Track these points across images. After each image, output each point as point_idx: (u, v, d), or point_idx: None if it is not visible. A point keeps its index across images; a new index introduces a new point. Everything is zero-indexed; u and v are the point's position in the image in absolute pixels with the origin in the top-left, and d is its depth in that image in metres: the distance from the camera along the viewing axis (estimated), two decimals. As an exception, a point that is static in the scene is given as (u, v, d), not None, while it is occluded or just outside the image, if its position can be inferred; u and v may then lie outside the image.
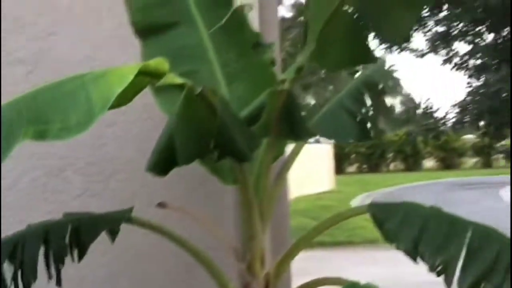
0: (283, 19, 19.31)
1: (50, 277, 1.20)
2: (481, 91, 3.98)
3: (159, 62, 0.98)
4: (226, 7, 1.39)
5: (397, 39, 1.05)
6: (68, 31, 1.95)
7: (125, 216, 1.31)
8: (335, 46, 1.00)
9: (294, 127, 1.10)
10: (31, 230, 1.27)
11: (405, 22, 1.05)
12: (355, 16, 1.03)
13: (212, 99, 0.83)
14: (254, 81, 1.34)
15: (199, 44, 1.38)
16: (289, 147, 1.37)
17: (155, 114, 2.06)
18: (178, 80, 1.04)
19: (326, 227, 1.39)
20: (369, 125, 1.41)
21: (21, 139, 0.81)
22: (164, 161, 0.93)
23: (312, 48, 0.97)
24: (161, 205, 1.30)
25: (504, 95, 3.61)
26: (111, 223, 1.29)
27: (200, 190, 2.09)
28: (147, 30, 1.43)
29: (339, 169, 25.04)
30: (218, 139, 0.83)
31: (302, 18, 21.29)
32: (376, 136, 1.45)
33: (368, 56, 1.13)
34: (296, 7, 20.99)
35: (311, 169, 14.89)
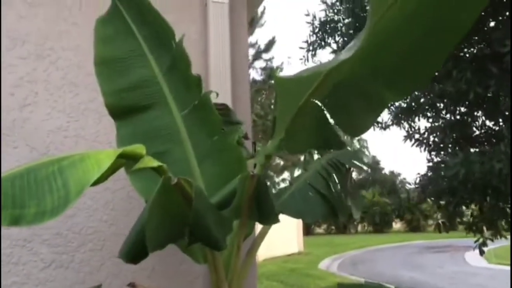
0: (254, 81, 19.88)
1: None
2: (441, 168, 4.19)
3: (136, 148, 1.03)
4: (197, 90, 1.46)
5: (356, 133, 1.13)
6: (43, 102, 1.99)
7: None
8: (303, 133, 1.07)
9: (264, 211, 1.15)
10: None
11: (365, 121, 1.15)
12: (321, 107, 1.12)
13: (188, 188, 0.87)
14: (223, 161, 1.39)
15: (172, 125, 1.43)
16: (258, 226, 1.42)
17: (125, 184, 2.08)
18: (154, 163, 1.09)
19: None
20: (336, 204, 1.47)
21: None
22: (136, 250, 0.95)
23: (281, 136, 1.04)
24: (132, 285, 1.30)
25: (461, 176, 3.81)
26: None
27: (169, 262, 2.08)
28: (121, 113, 1.48)
29: (308, 230, 24.98)
30: (193, 227, 0.87)
31: (271, 81, 21.96)
32: (343, 215, 1.51)
33: (335, 142, 1.21)
34: (266, 70, 21.69)
35: (279, 231, 14.80)
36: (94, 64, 1.54)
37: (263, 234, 1.38)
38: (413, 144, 5.17)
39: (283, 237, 15.64)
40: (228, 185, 1.18)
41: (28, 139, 1.95)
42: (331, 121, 1.14)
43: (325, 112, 1.13)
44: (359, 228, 32.89)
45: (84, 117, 2.04)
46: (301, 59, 5.45)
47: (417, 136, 5.17)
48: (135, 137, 1.32)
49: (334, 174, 1.53)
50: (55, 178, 0.94)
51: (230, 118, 1.54)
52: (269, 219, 1.18)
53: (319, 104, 1.10)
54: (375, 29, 0.96)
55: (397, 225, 33.58)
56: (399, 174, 36.63)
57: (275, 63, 23.53)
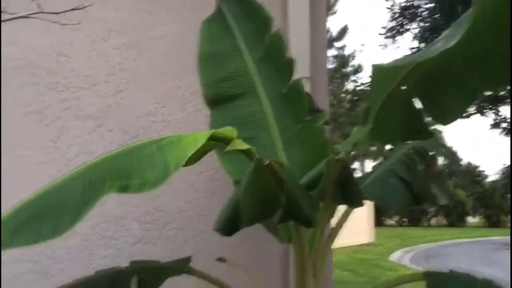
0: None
1: None
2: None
3: (228, 130, 1.10)
4: (286, 79, 1.54)
5: (447, 121, 1.11)
6: (134, 89, 2.13)
7: (185, 267, 1.41)
8: (391, 123, 1.09)
9: (348, 194, 1.18)
10: (100, 275, 1.38)
11: (457, 109, 1.13)
12: (411, 95, 1.12)
13: (278, 169, 0.92)
14: (308, 146, 1.45)
15: (260, 112, 1.52)
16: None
17: (208, 167, 2.19)
18: (244, 145, 1.16)
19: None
20: (419, 191, 1.47)
21: (106, 192, 0.94)
22: (230, 224, 1.03)
23: (370, 126, 1.07)
24: (221, 259, 1.39)
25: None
26: (172, 273, 1.38)
27: (247, 242, 2.17)
28: (216, 102, 1.59)
29: (379, 221, 24.48)
30: (286, 205, 0.92)
31: (343, 69, 21.63)
32: (426, 202, 1.50)
33: (423, 132, 1.21)
34: (338, 58, 21.37)
35: (350, 221, 14.62)
36: (198, 61, 1.69)
37: (346, 216, 1.41)
38: (501, 133, 4.93)
39: (353, 227, 15.46)
40: (314, 168, 1.23)
41: (121, 123, 2.11)
42: (420, 109, 1.15)
43: (415, 99, 1.13)
44: (433, 221, 31.72)
45: (170, 103, 2.17)
46: (380, 45, 5.34)
47: (504, 124, 4.92)
48: (226, 124, 1.40)
49: (418, 162, 1.53)
50: (155, 155, 1.04)
51: (312, 105, 1.59)
52: (354, 202, 1.21)
53: (409, 92, 1.11)
54: (478, 18, 0.95)
55: (474, 219, 32.01)
56: (477, 166, 34.81)
57: (347, 51, 23.07)
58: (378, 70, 1.06)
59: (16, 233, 0.88)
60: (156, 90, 2.16)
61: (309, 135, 1.48)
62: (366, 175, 1.58)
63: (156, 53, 2.18)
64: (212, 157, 2.17)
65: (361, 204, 1.21)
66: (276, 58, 1.56)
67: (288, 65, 1.56)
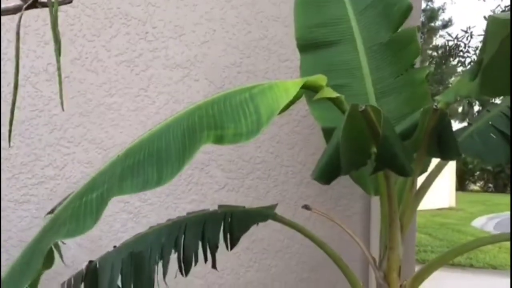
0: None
1: (206, 260, 1.35)
2: None
3: (318, 78, 1.07)
4: (394, 27, 1.47)
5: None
6: (220, 39, 2.14)
7: (271, 214, 1.43)
8: (499, 76, 1.00)
9: (444, 146, 1.12)
10: (191, 216, 1.44)
11: None
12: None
13: (373, 117, 0.89)
14: (405, 97, 1.39)
15: (354, 61, 1.47)
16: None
17: (290, 120, 2.18)
18: (333, 94, 1.13)
19: (465, 250, 1.38)
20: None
21: (204, 141, 0.95)
22: (329, 171, 1.02)
23: (480, 79, 0.98)
24: (306, 207, 1.40)
25: None
26: (259, 218, 1.41)
27: (329, 193, 2.16)
28: (308, 46, 1.55)
29: (461, 186, 23.43)
30: (381, 153, 0.89)
31: (431, 23, 20.32)
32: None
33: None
34: (426, 12, 20.08)
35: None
36: (295, 4, 1.64)
37: (438, 170, 1.35)
38: None
39: (434, 190, 14.94)
40: (409, 118, 1.17)
41: (207, 73, 2.14)
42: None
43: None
44: (522, 188, 29.78)
45: (255, 54, 2.15)
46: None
47: None
48: (317, 70, 1.37)
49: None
50: (247, 104, 1.03)
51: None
52: (449, 155, 1.15)
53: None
54: None
55: None
56: None
57: (436, 4, 21.60)
58: (493, 21, 0.96)
59: (124, 180, 0.92)
60: (241, 40, 2.15)
61: (408, 86, 1.41)
62: (462, 129, 1.49)
63: (242, 2, 2.16)
64: (293, 110, 2.16)
65: (457, 157, 1.14)
66: (387, 5, 1.48)
67: (401, 12, 1.48)
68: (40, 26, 2.09)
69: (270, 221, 1.49)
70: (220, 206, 1.50)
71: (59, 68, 1.41)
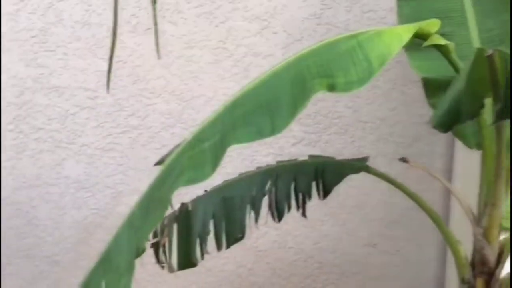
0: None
1: (298, 208, 1.39)
2: None
3: (431, 23, 1.03)
4: None
5: None
6: (300, -10, 2.09)
7: (364, 165, 1.43)
8: None
9: None
10: (281, 166, 1.46)
11: None
12: None
13: (498, 62, 0.85)
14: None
15: (459, 8, 1.40)
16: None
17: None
18: (442, 41, 1.09)
19: None
20: None
21: (316, 90, 0.95)
22: (449, 119, 1.00)
23: None
24: (403, 160, 1.39)
25: None
26: (352, 170, 1.42)
27: (408, 151, 2.12)
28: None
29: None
30: (506, 101, 0.86)
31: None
32: None
33: None
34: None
35: None
36: None
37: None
38: None
39: None
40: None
41: (286, 25, 2.11)
42: None
43: None
44: None
45: (336, 5, 2.09)
46: None
47: None
48: (418, 17, 1.32)
49: None
50: (355, 51, 1.01)
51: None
52: None
53: None
54: None
55: None
56: None
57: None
58: None
59: (237, 129, 0.93)
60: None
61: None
62: None
63: (323, -49, 2.09)
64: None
65: None
66: None
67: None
68: (123, -22, 2.11)
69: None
70: (310, 156, 1.51)
71: (155, 16, 1.43)
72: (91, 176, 2.22)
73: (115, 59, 2.20)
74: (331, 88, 0.95)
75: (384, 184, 1.44)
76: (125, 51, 2.16)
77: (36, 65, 2.17)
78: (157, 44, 1.38)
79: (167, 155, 1.25)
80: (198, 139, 1.01)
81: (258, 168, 1.50)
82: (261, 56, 2.12)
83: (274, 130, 0.92)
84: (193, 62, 2.14)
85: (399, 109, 2.10)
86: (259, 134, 0.93)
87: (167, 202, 0.93)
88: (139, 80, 2.17)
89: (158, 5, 2.15)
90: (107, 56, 2.15)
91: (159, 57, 1.35)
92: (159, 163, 1.48)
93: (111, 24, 2.14)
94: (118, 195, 2.22)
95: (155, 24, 1.36)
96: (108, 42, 2.15)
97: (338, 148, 2.13)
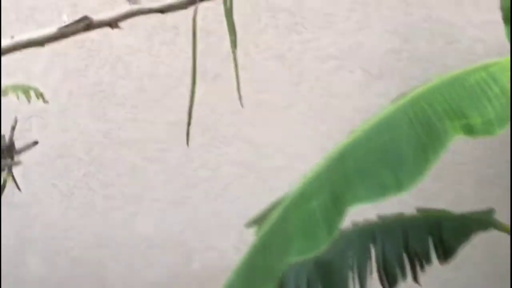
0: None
1: (414, 275, 1.19)
2: None
3: None
4: None
5: None
6: (376, 24, 1.95)
7: (490, 220, 1.22)
8: None
9: None
10: (384, 222, 1.28)
11: None
12: None
13: None
14: None
15: None
16: None
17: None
18: None
19: None
20: None
21: (451, 134, 0.79)
22: None
23: None
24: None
25: None
26: (479, 225, 1.22)
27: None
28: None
29: None
30: None
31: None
32: None
33: None
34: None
35: None
36: None
37: None
38: None
39: None
40: None
41: (363, 63, 1.96)
42: None
43: None
44: None
45: (417, 37, 1.94)
46: None
47: None
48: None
49: None
50: (488, 85, 0.85)
51: None
52: None
53: None
54: None
55: None
56: None
57: None
58: None
59: (353, 185, 0.78)
60: (400, 23, 1.95)
61: None
62: None
63: (400, -19, 1.96)
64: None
65: None
66: None
67: None
68: (190, 26, 2.05)
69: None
70: (419, 210, 1.32)
71: (235, 59, 1.31)
72: (162, 232, 2.11)
73: (181, 109, 2.13)
74: (468, 131, 0.78)
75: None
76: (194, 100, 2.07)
77: (105, 119, 2.13)
78: (239, 91, 1.27)
79: (262, 215, 1.10)
80: (302, 195, 0.86)
81: (354, 224, 1.32)
82: (338, 97, 1.98)
83: (401, 186, 0.75)
84: (265, 107, 2.03)
85: (502, 148, 1.87)
86: (383, 190, 0.77)
87: (276, 274, 0.77)
88: (207, 129, 2.07)
89: (226, 51, 2.08)
90: (175, 107, 2.08)
91: (241, 105, 1.22)
92: (253, 223, 1.33)
93: (179, 75, 2.09)
94: (191, 252, 2.09)
95: (236, 69, 1.25)
96: (176, 92, 2.08)
97: (431, 194, 1.91)
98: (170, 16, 2.07)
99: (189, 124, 1.25)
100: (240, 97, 1.25)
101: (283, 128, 2.02)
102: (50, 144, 2.15)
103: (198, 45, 2.14)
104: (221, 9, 2.10)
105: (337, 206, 0.78)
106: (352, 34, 1.96)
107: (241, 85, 2.08)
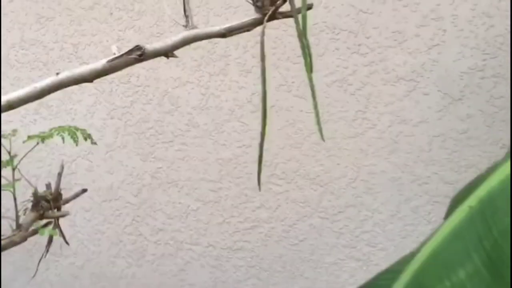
0: None
1: None
2: None
3: None
4: None
5: None
6: (453, 40, 1.72)
7: None
8: None
9: None
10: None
11: None
12: None
13: None
14: None
15: None
16: None
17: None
18: None
19: None
20: None
21: None
22: None
23: None
24: None
25: None
26: None
27: None
28: None
29: None
30: None
31: None
32: None
33: None
34: None
35: None
36: None
37: None
38: None
39: None
40: None
41: (439, 83, 1.73)
42: None
43: None
44: None
45: (502, 52, 1.69)
46: None
47: None
48: None
49: None
50: None
51: None
52: None
53: None
54: None
55: None
56: None
57: None
58: None
59: None
60: (482, 38, 1.71)
61: None
62: None
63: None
64: None
65: None
66: None
67: None
68: (241, 54, 1.89)
69: None
70: None
71: (312, 88, 1.11)
72: (219, 281, 1.90)
73: (234, 144, 1.95)
74: None
75: None
76: (248, 134, 1.89)
77: (154, 158, 1.97)
78: (318, 122, 1.07)
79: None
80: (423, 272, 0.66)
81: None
82: (412, 123, 1.75)
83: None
84: (328, 138, 1.82)
85: None
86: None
87: None
88: (266, 165, 1.87)
89: (282, 79, 1.89)
90: (228, 142, 1.90)
91: (322, 139, 1.02)
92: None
93: (230, 107, 1.92)
94: (252, 305, 1.87)
95: (314, 96, 1.05)
96: (228, 126, 1.91)
97: None
98: (219, 44, 1.92)
99: (260, 164, 1.06)
100: (320, 129, 1.05)
101: (350, 161, 1.80)
102: (96, 187, 2.01)
103: (250, 75, 1.97)
104: (274, 33, 1.92)
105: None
106: (425, 52, 1.74)
107: (301, 115, 1.90)
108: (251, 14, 0.92)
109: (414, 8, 1.76)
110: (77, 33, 1.99)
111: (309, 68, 1.02)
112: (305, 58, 1.02)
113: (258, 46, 1.94)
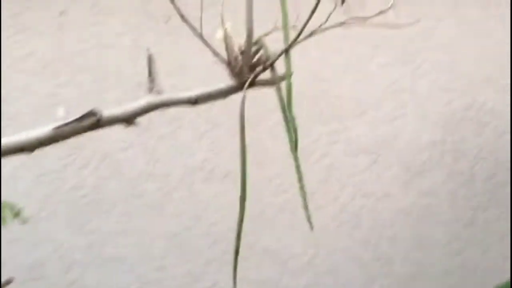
0: None
1: None
2: None
3: None
4: None
5: None
6: (413, 114, 1.72)
7: None
8: None
9: None
10: None
11: None
12: None
13: None
14: None
15: None
16: None
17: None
18: None
19: None
20: None
21: None
22: None
23: None
24: None
25: None
26: None
27: None
28: None
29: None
30: None
31: None
32: None
33: None
34: None
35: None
36: None
37: None
38: None
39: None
40: None
41: (401, 157, 1.71)
42: None
43: None
44: None
45: (463, 128, 1.71)
46: None
47: None
48: None
49: None
50: None
51: None
52: None
53: None
54: None
55: None
56: None
57: None
58: None
59: None
60: (440, 112, 1.72)
61: None
62: None
63: (434, 67, 1.75)
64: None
65: None
66: None
67: None
68: (193, 117, 1.75)
69: None
70: None
71: (298, 168, 1.01)
72: None
73: (183, 217, 1.77)
74: None
75: None
76: (199, 205, 1.73)
77: (87, 231, 1.73)
78: (306, 207, 0.95)
79: None
80: None
81: None
82: (374, 197, 1.69)
83: None
84: (287, 212, 1.70)
85: None
86: None
87: None
88: (218, 241, 1.71)
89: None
90: (176, 214, 1.72)
91: (311, 227, 0.89)
92: None
93: (180, 175, 1.75)
94: None
95: (301, 182, 0.93)
96: (177, 196, 1.73)
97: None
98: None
99: (236, 258, 0.90)
100: (308, 217, 0.92)
101: (310, 239, 1.68)
102: (18, 263, 1.72)
103: (204, 140, 1.82)
104: (233, 97, 1.80)
105: None
106: (386, 124, 1.71)
107: (258, 185, 1.76)
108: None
109: (374, 80, 1.75)
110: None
111: (294, 145, 0.89)
112: (289, 133, 0.90)
113: (212, 109, 1.81)
